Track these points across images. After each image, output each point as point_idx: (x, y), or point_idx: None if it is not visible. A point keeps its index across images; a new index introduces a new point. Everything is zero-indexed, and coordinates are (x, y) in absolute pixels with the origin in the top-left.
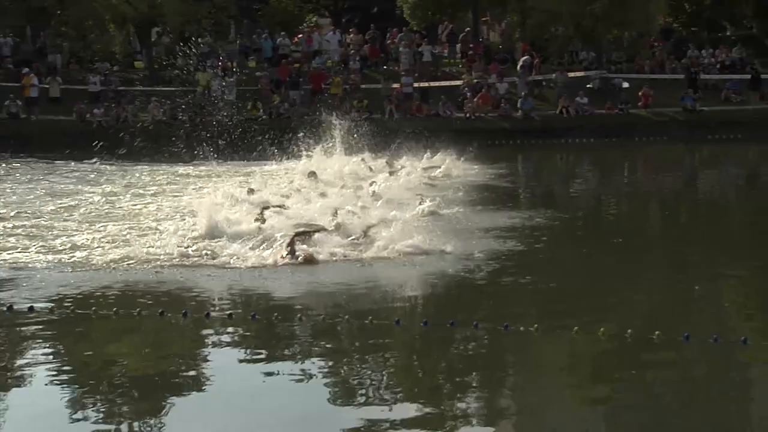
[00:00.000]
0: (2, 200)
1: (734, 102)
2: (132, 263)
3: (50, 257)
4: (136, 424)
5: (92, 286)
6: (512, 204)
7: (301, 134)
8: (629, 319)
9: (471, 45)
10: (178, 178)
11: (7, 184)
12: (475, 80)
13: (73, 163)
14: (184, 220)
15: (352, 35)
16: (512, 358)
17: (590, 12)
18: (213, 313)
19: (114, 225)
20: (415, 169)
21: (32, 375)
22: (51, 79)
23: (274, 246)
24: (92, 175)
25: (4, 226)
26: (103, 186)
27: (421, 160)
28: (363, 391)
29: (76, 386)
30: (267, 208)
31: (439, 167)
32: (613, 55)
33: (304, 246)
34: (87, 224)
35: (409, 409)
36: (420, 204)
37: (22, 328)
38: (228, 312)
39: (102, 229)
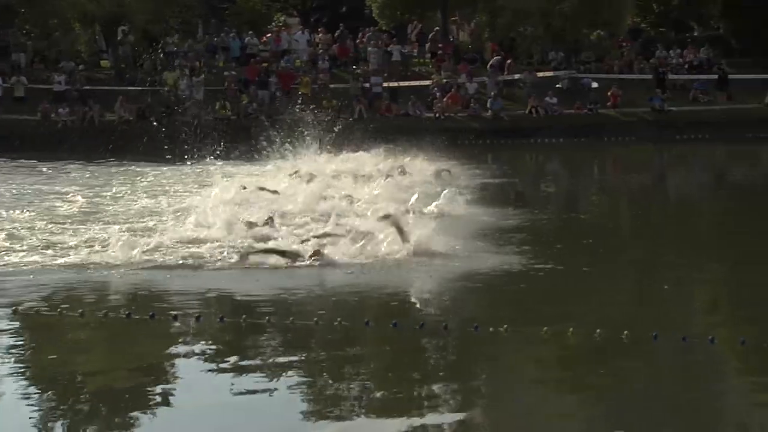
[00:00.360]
0: None
1: (702, 102)
2: (103, 264)
3: (15, 259)
4: None
5: (59, 286)
6: (482, 203)
7: (277, 134)
8: (598, 319)
9: (440, 45)
10: (151, 178)
11: None
12: (445, 80)
13: (38, 163)
14: (176, 218)
15: (320, 35)
16: (482, 359)
17: (560, 11)
18: (182, 316)
19: (83, 226)
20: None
21: None
22: (15, 78)
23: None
24: (60, 176)
25: None
26: (71, 186)
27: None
28: (337, 401)
29: (35, 397)
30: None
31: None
32: (582, 55)
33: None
34: (55, 225)
35: (380, 413)
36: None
37: None
38: (196, 315)
39: (72, 229)
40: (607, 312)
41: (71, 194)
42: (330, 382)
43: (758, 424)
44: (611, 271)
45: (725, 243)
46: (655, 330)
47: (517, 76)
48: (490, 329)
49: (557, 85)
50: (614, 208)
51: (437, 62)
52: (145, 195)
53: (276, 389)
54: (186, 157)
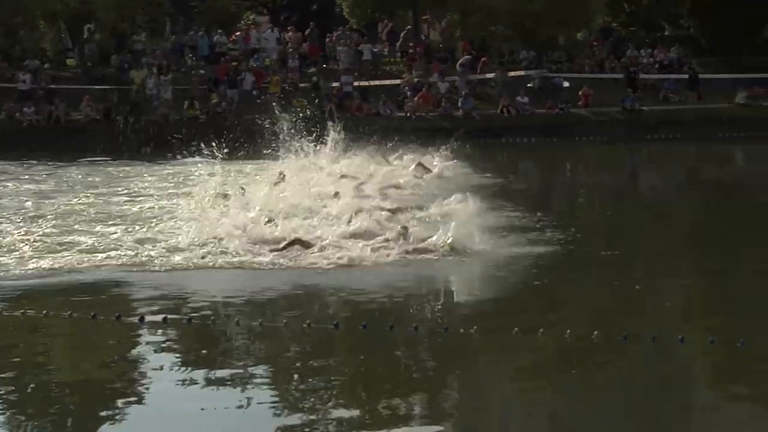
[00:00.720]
0: None
1: (673, 102)
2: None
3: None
4: None
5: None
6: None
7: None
8: (569, 320)
9: (411, 44)
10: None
11: None
12: (416, 79)
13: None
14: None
15: (290, 33)
16: (452, 360)
17: (530, 11)
18: (148, 317)
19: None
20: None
21: None
22: None
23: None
24: (25, 175)
25: None
26: (37, 185)
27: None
28: (307, 405)
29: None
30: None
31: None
32: (553, 54)
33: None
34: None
35: (351, 415)
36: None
37: None
38: (163, 316)
39: (36, 229)
40: (577, 312)
41: (33, 194)
42: (296, 384)
43: (727, 423)
44: (582, 272)
45: (696, 243)
46: (626, 331)
47: (488, 76)
48: (461, 330)
49: (528, 85)
50: (585, 207)
51: (408, 61)
52: (109, 195)
53: (250, 397)
54: (168, 155)
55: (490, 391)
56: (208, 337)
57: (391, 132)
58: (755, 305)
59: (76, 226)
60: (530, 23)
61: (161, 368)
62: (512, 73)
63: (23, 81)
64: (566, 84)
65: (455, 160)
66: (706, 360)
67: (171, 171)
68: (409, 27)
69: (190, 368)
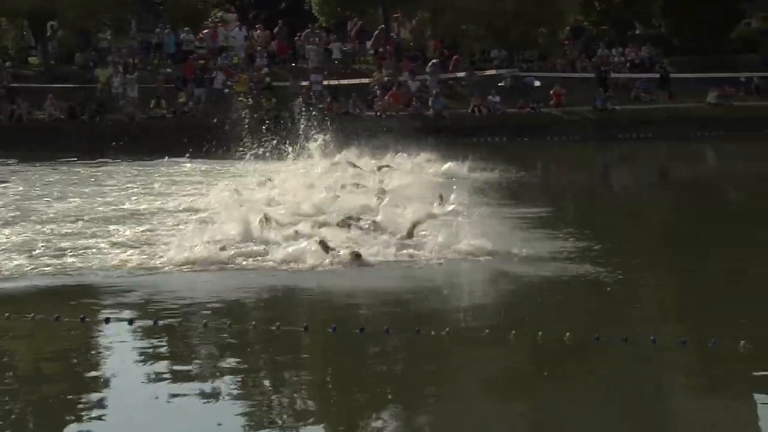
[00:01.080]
0: None
1: (644, 101)
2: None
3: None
4: None
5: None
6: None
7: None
8: (541, 321)
9: (382, 42)
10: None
11: None
12: (386, 78)
13: None
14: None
15: (258, 31)
16: (425, 363)
17: (502, 10)
18: (113, 318)
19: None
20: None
21: None
22: None
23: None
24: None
25: None
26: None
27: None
28: (276, 410)
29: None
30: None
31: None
32: (525, 53)
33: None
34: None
35: (320, 421)
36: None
37: None
38: (130, 318)
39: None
40: (548, 314)
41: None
42: (269, 389)
43: (700, 423)
44: (551, 271)
45: (667, 242)
46: (597, 332)
47: (458, 75)
48: (432, 332)
49: (500, 84)
50: (555, 207)
51: (379, 60)
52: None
53: (216, 396)
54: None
55: (461, 393)
56: (185, 340)
57: (360, 131)
58: (726, 304)
59: (54, 228)
60: (502, 22)
61: (130, 376)
62: (483, 72)
63: None
64: (537, 83)
65: (429, 160)
66: (678, 361)
67: (137, 171)
68: (383, 26)
69: (161, 379)
